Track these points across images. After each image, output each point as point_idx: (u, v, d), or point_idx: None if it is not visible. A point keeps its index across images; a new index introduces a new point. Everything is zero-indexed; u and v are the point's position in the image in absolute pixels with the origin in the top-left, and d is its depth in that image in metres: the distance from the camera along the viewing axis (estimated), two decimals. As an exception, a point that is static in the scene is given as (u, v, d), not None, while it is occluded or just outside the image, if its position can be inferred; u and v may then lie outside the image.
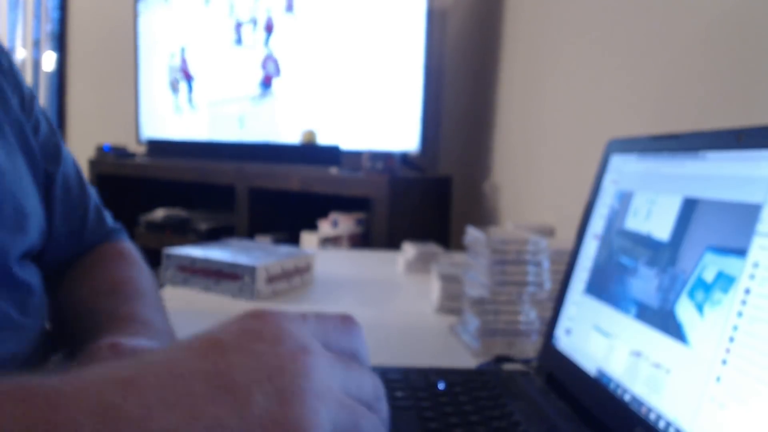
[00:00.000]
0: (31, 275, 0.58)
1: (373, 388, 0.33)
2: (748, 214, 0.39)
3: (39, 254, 0.61)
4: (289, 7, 2.33)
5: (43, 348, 0.59)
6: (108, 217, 0.73)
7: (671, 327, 0.42)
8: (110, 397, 0.25)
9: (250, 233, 2.11)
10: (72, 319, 0.59)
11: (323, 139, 2.18)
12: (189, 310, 0.89)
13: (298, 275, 1.04)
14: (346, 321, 0.35)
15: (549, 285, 0.73)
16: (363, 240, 1.92)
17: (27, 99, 0.64)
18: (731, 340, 0.37)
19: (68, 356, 0.59)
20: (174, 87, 2.73)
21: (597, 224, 0.59)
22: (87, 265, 0.66)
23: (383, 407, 0.34)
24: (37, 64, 3.47)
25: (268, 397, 0.27)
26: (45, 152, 0.64)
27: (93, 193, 0.72)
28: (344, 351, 0.34)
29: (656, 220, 0.49)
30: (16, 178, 0.57)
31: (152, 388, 0.26)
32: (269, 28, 2.40)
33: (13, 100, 0.61)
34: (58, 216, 0.65)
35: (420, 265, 1.20)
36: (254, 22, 2.43)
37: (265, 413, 0.26)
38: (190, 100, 2.69)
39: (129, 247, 0.71)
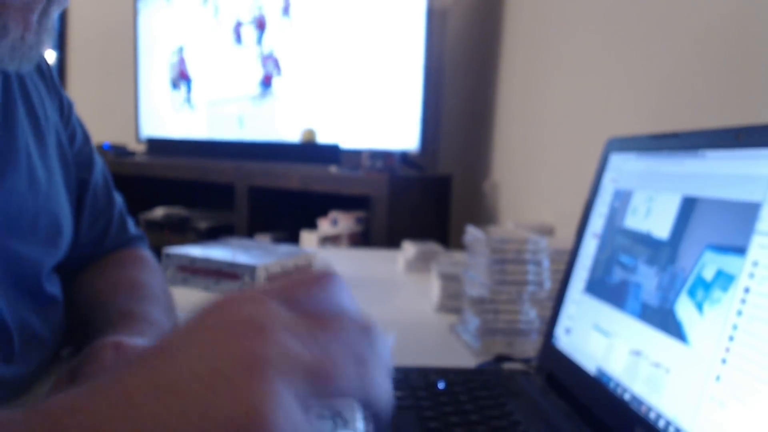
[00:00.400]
0: (56, 287, 0.59)
1: (364, 341, 0.27)
2: (747, 212, 0.39)
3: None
4: (286, 10, 2.33)
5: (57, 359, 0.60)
6: (131, 225, 0.73)
7: (671, 326, 0.42)
8: None
9: (250, 232, 2.11)
10: (84, 313, 0.60)
11: (323, 138, 2.18)
12: (189, 310, 0.88)
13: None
14: (321, 279, 0.29)
15: (549, 284, 0.73)
16: (363, 239, 1.92)
17: (66, 107, 0.63)
18: (731, 339, 0.37)
19: (75, 351, 0.59)
20: (175, 84, 2.73)
21: (596, 223, 0.59)
22: (104, 265, 0.67)
23: (382, 362, 0.27)
24: (36, 63, 3.47)
25: (220, 396, 0.23)
26: (79, 161, 0.64)
27: (119, 199, 0.72)
28: (326, 314, 0.28)
29: (656, 218, 0.49)
30: (52, 192, 0.57)
31: (99, 414, 0.22)
32: (261, 26, 2.39)
33: (52, 108, 0.60)
34: (85, 223, 0.66)
35: (420, 264, 1.20)
36: (255, 22, 2.43)
37: (218, 415, 0.22)
38: (189, 100, 2.68)
39: (147, 254, 0.72)
